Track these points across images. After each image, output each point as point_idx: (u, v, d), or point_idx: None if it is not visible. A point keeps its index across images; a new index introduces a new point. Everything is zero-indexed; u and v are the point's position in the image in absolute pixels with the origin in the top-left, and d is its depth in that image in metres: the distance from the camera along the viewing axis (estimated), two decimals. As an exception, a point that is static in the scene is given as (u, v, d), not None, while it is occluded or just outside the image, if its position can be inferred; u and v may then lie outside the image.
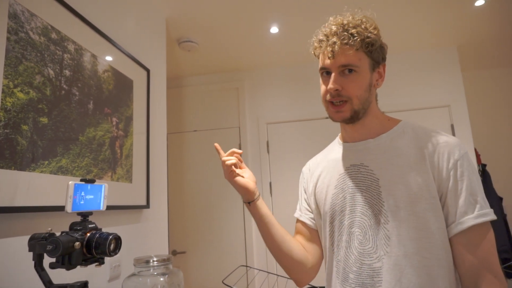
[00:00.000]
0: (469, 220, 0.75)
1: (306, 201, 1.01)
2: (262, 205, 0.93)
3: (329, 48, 0.82)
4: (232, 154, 0.91)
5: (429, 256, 0.76)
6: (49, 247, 0.71)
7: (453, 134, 2.61)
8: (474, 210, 0.75)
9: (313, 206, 0.98)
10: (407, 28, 2.45)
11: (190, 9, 2.09)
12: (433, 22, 2.38)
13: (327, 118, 2.96)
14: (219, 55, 2.73)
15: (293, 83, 2.95)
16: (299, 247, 0.96)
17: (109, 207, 1.28)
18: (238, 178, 0.90)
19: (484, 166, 2.69)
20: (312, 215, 0.99)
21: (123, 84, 1.55)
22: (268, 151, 2.89)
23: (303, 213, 1.01)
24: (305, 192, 1.02)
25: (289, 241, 0.94)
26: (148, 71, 1.79)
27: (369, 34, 0.82)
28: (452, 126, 2.65)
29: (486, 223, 0.76)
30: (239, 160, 0.93)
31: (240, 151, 0.92)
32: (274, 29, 2.37)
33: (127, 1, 1.71)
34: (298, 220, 1.03)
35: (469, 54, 2.85)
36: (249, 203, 0.92)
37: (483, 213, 0.75)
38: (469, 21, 2.37)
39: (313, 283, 1.80)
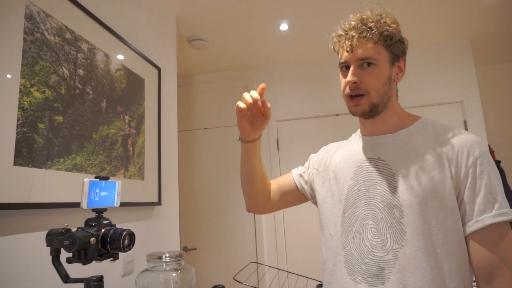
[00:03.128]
0: (487, 218, 0.74)
1: (311, 175, 1.04)
2: (252, 148, 0.97)
3: (347, 42, 0.83)
4: (261, 91, 0.88)
5: (442, 252, 0.76)
6: (66, 242, 0.73)
7: (466, 130, 2.57)
8: (493, 209, 0.75)
9: (321, 196, 0.99)
10: (419, 23, 2.42)
11: (200, 7, 2.11)
12: (446, 16, 2.34)
13: (337, 115, 2.96)
14: (228, 53, 2.74)
15: (303, 80, 2.94)
16: (268, 183, 1.07)
17: (122, 204, 1.30)
18: (242, 120, 0.91)
19: (498, 162, 2.64)
20: (306, 186, 1.05)
21: (135, 83, 1.58)
22: (278, 149, 2.90)
23: (302, 180, 1.06)
24: (314, 168, 1.04)
25: (264, 177, 1.04)
26: (159, 69, 1.81)
27: (387, 28, 0.82)
28: (465, 122, 2.61)
29: (505, 223, 0.75)
30: (256, 105, 0.88)
31: (262, 86, 0.88)
32: (283, 26, 2.36)
33: (138, 1, 1.73)
34: (291, 175, 1.09)
35: (482, 48, 2.80)
36: (239, 140, 0.98)
37: (502, 212, 0.74)
38: (482, 15, 2.33)
39: (319, 278, 1.80)
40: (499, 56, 2.98)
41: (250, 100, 0.86)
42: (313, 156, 1.08)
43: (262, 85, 0.88)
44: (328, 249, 0.92)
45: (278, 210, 1.11)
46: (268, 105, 0.90)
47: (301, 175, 1.07)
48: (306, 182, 1.05)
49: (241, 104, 0.87)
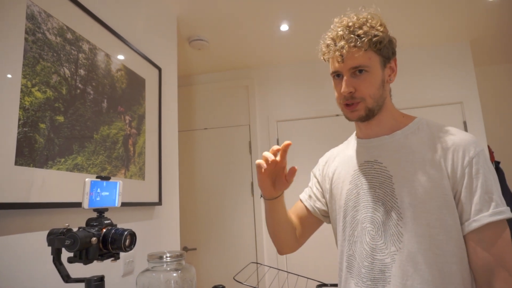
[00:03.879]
0: (484, 218, 0.75)
1: (318, 190, 1.04)
2: (275, 204, 0.93)
3: (337, 53, 0.82)
4: (285, 149, 0.82)
5: (441, 253, 0.76)
6: (67, 242, 0.73)
7: (466, 131, 2.58)
8: (490, 208, 0.75)
9: (329, 205, 0.99)
10: (418, 23, 2.42)
11: (201, 8, 2.11)
12: (446, 17, 2.35)
13: (337, 115, 2.96)
14: (229, 53, 2.74)
15: (304, 80, 2.94)
16: (294, 225, 1.03)
17: (122, 204, 1.30)
18: (262, 176, 0.86)
19: (498, 163, 2.65)
20: (318, 204, 1.03)
21: (135, 83, 1.58)
22: (278, 149, 2.90)
23: (312, 202, 1.04)
24: (319, 185, 1.04)
25: (290, 224, 1.01)
26: (159, 69, 1.81)
27: (376, 33, 0.81)
28: (464, 123, 2.61)
29: (502, 221, 0.75)
30: (276, 164, 0.84)
31: (286, 143, 0.80)
32: (284, 27, 2.37)
33: (139, 1, 1.73)
34: (301, 202, 1.07)
35: (482, 49, 2.80)
36: (261, 196, 0.95)
37: (498, 211, 0.75)
38: (482, 15, 2.34)
39: (324, 280, 1.81)
40: (498, 56, 2.99)
41: (269, 157, 0.81)
42: (315, 172, 1.08)
43: (286, 142, 0.81)
44: (339, 255, 0.94)
45: (305, 241, 1.06)
46: (292, 170, 0.83)
47: (310, 197, 1.05)
48: (315, 201, 1.04)
49: (260, 161, 0.82)
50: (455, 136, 0.82)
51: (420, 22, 2.40)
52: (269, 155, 0.81)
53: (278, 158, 0.83)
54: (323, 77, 2.87)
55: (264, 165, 0.81)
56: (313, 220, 1.04)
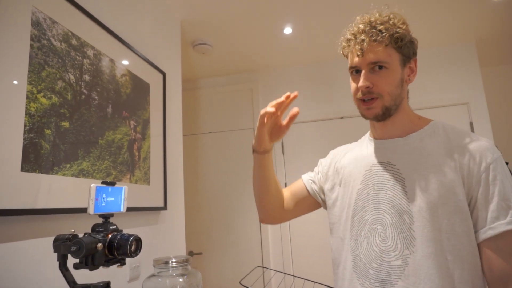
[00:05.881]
0: (501, 225, 0.73)
1: (321, 181, 1.04)
2: (266, 159, 0.96)
3: (357, 46, 0.82)
4: (278, 105, 0.89)
5: (452, 259, 0.75)
6: (73, 248, 0.73)
7: (473, 132, 2.55)
8: (507, 215, 0.73)
9: (336, 202, 0.97)
10: (424, 24, 2.41)
11: (204, 12, 2.11)
12: (451, 17, 2.33)
13: (342, 118, 2.94)
14: (233, 57, 2.74)
15: (308, 83, 2.94)
16: (282, 194, 1.05)
17: (128, 209, 1.29)
18: (262, 127, 0.90)
19: (505, 164, 2.62)
20: (318, 191, 1.03)
21: (140, 88, 1.58)
22: (283, 152, 2.89)
23: (314, 186, 1.04)
24: (324, 174, 1.04)
25: (277, 188, 1.02)
26: (164, 74, 1.81)
27: (397, 29, 0.81)
28: (471, 124, 2.59)
29: None
30: (276, 113, 0.90)
31: (294, 94, 0.90)
32: (287, 30, 2.37)
33: (143, 6, 1.74)
34: (302, 181, 1.08)
35: (488, 49, 2.78)
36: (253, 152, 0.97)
37: None
38: (488, 16, 2.32)
39: (331, 284, 1.79)
40: (504, 57, 2.96)
41: (271, 109, 0.86)
42: (322, 161, 1.07)
43: (295, 93, 0.89)
44: (338, 253, 0.92)
45: (292, 219, 1.08)
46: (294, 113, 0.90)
47: (312, 181, 1.05)
48: (317, 187, 1.04)
49: (270, 109, 0.87)
50: (472, 141, 0.80)
51: (426, 23, 2.39)
52: (272, 110, 0.86)
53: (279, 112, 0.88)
54: (327, 80, 2.86)
55: (267, 116, 0.87)
56: (309, 202, 1.05)
